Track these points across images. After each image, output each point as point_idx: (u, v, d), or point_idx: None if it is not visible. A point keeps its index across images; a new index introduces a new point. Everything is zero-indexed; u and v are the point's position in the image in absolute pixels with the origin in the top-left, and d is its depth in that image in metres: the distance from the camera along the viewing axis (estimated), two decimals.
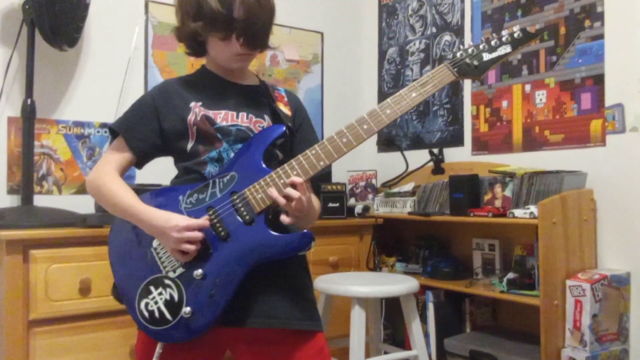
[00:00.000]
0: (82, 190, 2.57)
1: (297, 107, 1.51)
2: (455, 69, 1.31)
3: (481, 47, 1.33)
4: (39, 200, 2.40)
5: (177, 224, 1.24)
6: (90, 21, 2.57)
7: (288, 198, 1.24)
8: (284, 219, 1.26)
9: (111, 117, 2.61)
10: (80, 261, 2.09)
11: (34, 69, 2.34)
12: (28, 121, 2.31)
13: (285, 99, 1.49)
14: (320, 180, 1.72)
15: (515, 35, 1.33)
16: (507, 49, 1.33)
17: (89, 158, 2.60)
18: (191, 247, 1.24)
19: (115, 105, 2.62)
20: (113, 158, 1.39)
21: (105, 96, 2.63)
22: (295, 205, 1.25)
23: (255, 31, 1.33)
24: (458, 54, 1.32)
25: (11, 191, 2.42)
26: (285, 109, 1.45)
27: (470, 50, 1.32)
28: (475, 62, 1.32)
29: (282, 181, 1.26)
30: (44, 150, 2.50)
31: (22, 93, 2.39)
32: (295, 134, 1.47)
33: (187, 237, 1.24)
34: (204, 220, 1.26)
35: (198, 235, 1.25)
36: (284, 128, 1.35)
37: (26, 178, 2.30)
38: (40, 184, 2.48)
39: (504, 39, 1.33)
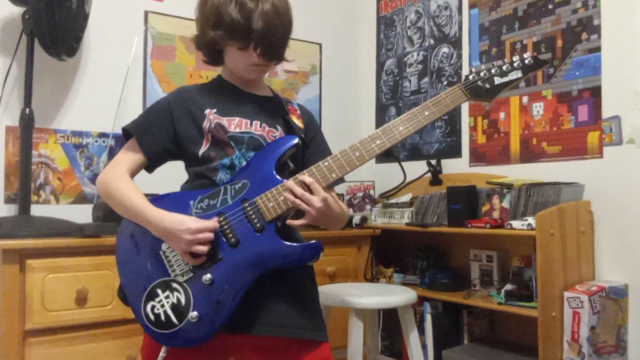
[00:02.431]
0: (79, 199, 2.57)
1: (309, 121, 1.53)
2: (468, 91, 1.37)
3: (493, 71, 1.38)
4: (36, 210, 2.40)
5: (189, 227, 1.25)
6: (90, 31, 2.58)
7: (304, 200, 1.27)
8: (292, 222, 1.28)
9: (109, 127, 2.61)
10: (77, 271, 2.08)
11: (32, 79, 2.34)
12: (26, 130, 2.31)
13: (298, 112, 1.52)
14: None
15: (526, 61, 1.39)
16: (518, 74, 1.39)
17: (86, 167, 2.60)
18: (203, 249, 1.25)
19: (114, 115, 2.62)
20: (125, 159, 1.40)
21: (103, 106, 2.63)
22: (312, 206, 1.27)
23: (273, 42, 1.35)
24: (470, 77, 1.38)
25: (8, 200, 2.41)
26: (298, 122, 1.48)
27: (482, 74, 1.38)
28: (487, 85, 1.38)
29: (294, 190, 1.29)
30: (41, 160, 2.49)
31: (20, 102, 2.39)
32: (308, 146, 1.49)
33: (198, 239, 1.25)
34: (214, 222, 1.27)
35: (209, 236, 1.26)
36: (297, 139, 1.37)
37: (23, 187, 2.30)
38: (37, 193, 2.47)
39: (515, 64, 1.39)
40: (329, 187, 1.45)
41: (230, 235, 1.28)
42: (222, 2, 1.34)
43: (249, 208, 1.29)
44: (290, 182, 1.29)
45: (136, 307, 1.29)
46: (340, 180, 1.44)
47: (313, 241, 1.27)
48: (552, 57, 2.50)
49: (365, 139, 1.32)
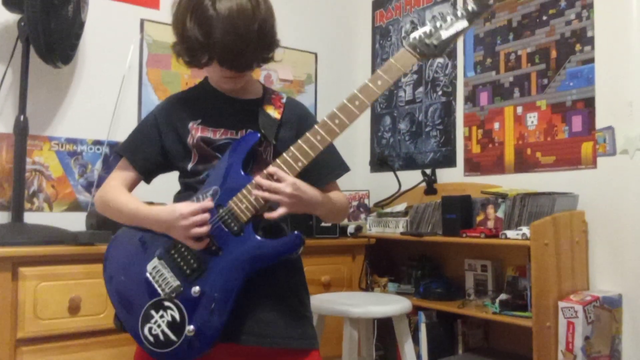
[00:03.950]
0: (73, 207, 2.56)
1: (301, 114, 1.48)
2: (417, 51, 1.30)
3: (438, 24, 1.30)
4: (30, 217, 2.38)
5: (181, 212, 1.24)
6: (86, 39, 2.58)
7: (272, 191, 1.25)
8: (268, 215, 1.26)
9: (104, 135, 2.61)
10: (70, 279, 2.07)
11: (27, 86, 2.33)
12: (20, 137, 2.30)
13: (283, 101, 1.46)
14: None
15: (470, 8, 1.30)
16: (464, 23, 1.30)
17: (80, 175, 2.59)
18: (201, 230, 1.24)
19: (109, 123, 2.62)
20: (118, 175, 1.42)
21: (98, 113, 2.63)
22: (278, 194, 1.25)
23: (235, 54, 1.28)
24: (417, 36, 1.30)
25: (1, 208, 2.39)
26: (274, 113, 1.43)
27: (428, 30, 1.30)
28: (435, 42, 1.29)
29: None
30: (35, 167, 2.48)
31: (15, 109, 2.38)
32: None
33: (193, 221, 1.24)
34: (207, 202, 1.27)
35: (205, 217, 1.25)
36: (259, 135, 1.35)
37: (17, 194, 2.28)
38: (31, 200, 2.46)
39: (459, 13, 1.31)
40: (328, 181, 1.44)
41: (211, 244, 1.28)
42: (185, 14, 1.28)
43: (224, 213, 1.28)
44: (257, 178, 1.27)
45: (134, 332, 1.29)
46: (342, 168, 1.44)
47: (295, 232, 1.27)
48: (546, 67, 2.52)
49: (323, 120, 1.29)
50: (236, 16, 1.24)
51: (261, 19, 1.29)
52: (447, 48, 1.30)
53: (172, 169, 1.45)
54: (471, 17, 1.30)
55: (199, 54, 1.29)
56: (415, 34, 1.30)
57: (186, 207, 1.26)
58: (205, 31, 1.25)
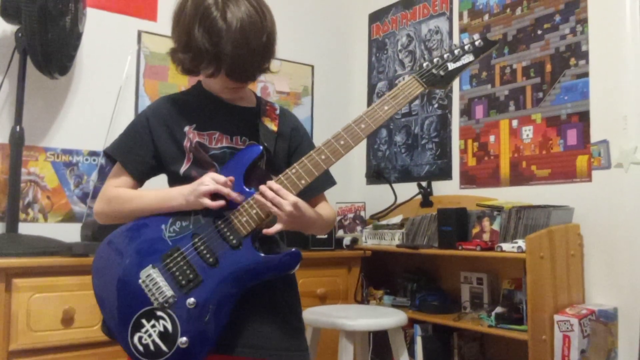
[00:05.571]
0: (68, 218, 2.55)
1: (293, 126, 1.50)
2: (424, 80, 1.35)
3: (445, 56, 1.36)
4: (24, 228, 2.37)
5: (213, 176, 1.27)
6: (83, 50, 2.58)
7: (274, 203, 1.25)
8: (267, 230, 1.27)
9: (100, 146, 2.60)
10: (64, 290, 2.06)
11: (24, 96, 2.34)
12: (16, 148, 2.30)
13: (277, 112, 1.48)
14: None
15: (477, 43, 1.37)
16: (470, 57, 1.37)
17: (76, 186, 2.58)
18: (212, 187, 1.26)
19: (105, 134, 2.61)
20: (114, 183, 1.39)
21: (95, 124, 2.63)
22: (280, 210, 1.25)
23: (243, 66, 1.30)
24: (424, 65, 1.36)
25: None
26: (271, 125, 1.44)
27: (435, 61, 1.36)
28: (442, 72, 1.35)
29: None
30: (31, 178, 2.48)
31: (11, 120, 2.38)
32: (293, 151, 1.46)
33: (218, 188, 1.26)
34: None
35: (230, 192, 1.26)
36: (261, 148, 1.34)
37: (12, 205, 2.27)
38: (25, 211, 2.45)
39: (466, 47, 1.37)
40: (315, 194, 1.44)
41: (208, 256, 1.27)
42: (191, 23, 1.28)
43: (222, 225, 1.28)
44: (263, 187, 1.27)
45: (123, 339, 1.27)
46: (329, 182, 1.45)
47: (292, 249, 1.26)
48: (541, 81, 2.54)
49: (329, 140, 1.30)
50: (247, 28, 1.26)
51: (268, 30, 1.32)
52: (453, 79, 1.36)
53: (162, 172, 1.42)
54: (478, 52, 1.36)
55: (205, 65, 1.30)
56: (425, 64, 1.36)
57: (218, 176, 1.28)
58: (215, 42, 1.26)
